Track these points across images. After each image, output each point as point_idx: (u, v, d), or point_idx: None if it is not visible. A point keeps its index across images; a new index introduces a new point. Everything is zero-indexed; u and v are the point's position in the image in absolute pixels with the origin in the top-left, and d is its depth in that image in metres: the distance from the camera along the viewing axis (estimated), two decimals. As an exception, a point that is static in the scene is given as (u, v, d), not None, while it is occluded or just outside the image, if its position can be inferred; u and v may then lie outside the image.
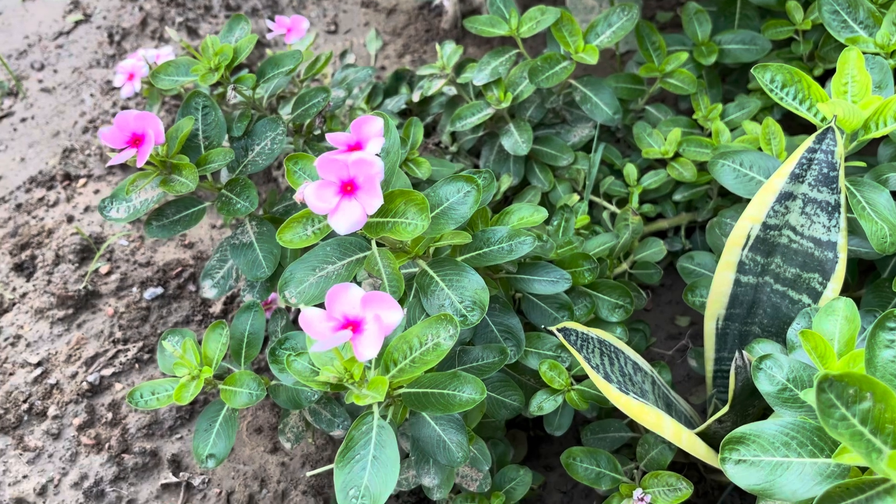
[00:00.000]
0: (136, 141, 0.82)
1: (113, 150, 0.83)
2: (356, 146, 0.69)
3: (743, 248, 0.86)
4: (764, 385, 0.71)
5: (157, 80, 0.96)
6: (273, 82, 0.97)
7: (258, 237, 0.93)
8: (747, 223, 0.85)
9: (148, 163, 0.87)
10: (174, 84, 0.96)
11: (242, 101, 0.99)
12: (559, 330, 0.78)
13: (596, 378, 0.77)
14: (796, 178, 0.81)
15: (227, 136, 0.95)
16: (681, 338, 1.17)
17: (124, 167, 1.41)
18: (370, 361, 0.69)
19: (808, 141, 0.80)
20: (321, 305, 0.68)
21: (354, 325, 0.62)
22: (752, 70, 0.83)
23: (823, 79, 1.20)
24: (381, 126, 0.69)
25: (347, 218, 0.65)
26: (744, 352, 0.78)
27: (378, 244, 0.76)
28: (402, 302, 0.77)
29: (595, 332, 0.83)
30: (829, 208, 0.80)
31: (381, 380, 0.63)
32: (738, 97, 1.22)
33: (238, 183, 0.90)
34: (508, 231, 0.83)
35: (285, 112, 1.14)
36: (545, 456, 1.07)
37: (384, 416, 0.72)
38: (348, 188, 0.66)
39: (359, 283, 0.83)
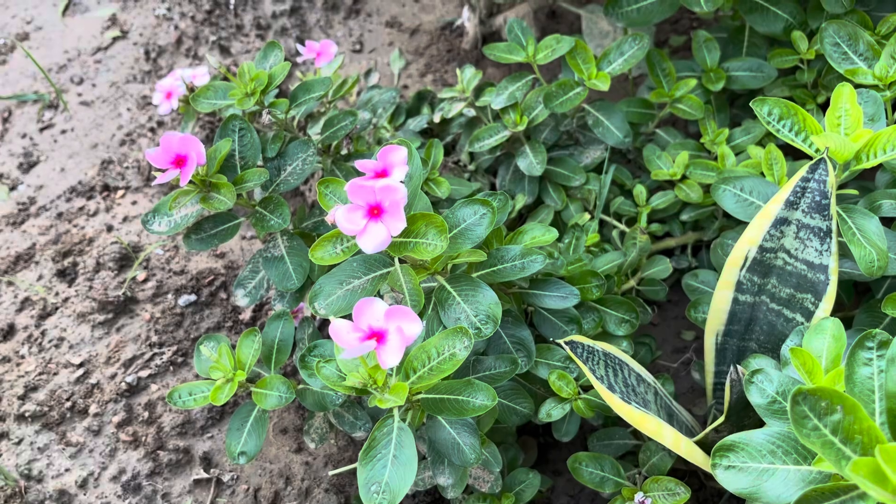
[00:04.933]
0: (180, 162, 0.90)
1: (158, 170, 0.90)
2: (382, 173, 0.76)
3: (741, 269, 0.91)
4: (755, 397, 0.77)
5: (197, 103, 1.04)
6: (304, 106, 1.04)
7: (289, 251, 1.00)
8: (745, 245, 0.90)
9: (189, 181, 0.94)
10: (213, 107, 1.04)
11: (275, 123, 1.06)
12: (566, 342, 0.85)
13: (600, 388, 0.83)
14: (791, 204, 0.87)
15: (261, 157, 1.02)
16: (686, 351, 1.23)
17: (160, 180, 1.49)
18: (392, 369, 0.75)
19: (802, 170, 0.86)
20: (347, 316, 0.75)
21: (378, 336, 0.68)
22: (750, 103, 0.89)
23: (826, 105, 1.25)
24: (406, 154, 0.76)
25: (374, 239, 0.72)
26: (738, 366, 0.84)
27: (400, 261, 0.83)
28: (421, 315, 0.83)
29: (600, 345, 0.89)
30: (822, 234, 0.85)
31: (402, 386, 0.70)
32: (745, 122, 1.28)
33: (272, 201, 0.97)
34: (521, 250, 0.89)
35: (314, 131, 1.21)
36: (554, 461, 1.13)
37: (403, 420, 0.78)
38: (375, 212, 0.72)
39: (381, 297, 0.90)
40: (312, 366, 0.82)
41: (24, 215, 1.51)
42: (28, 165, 1.62)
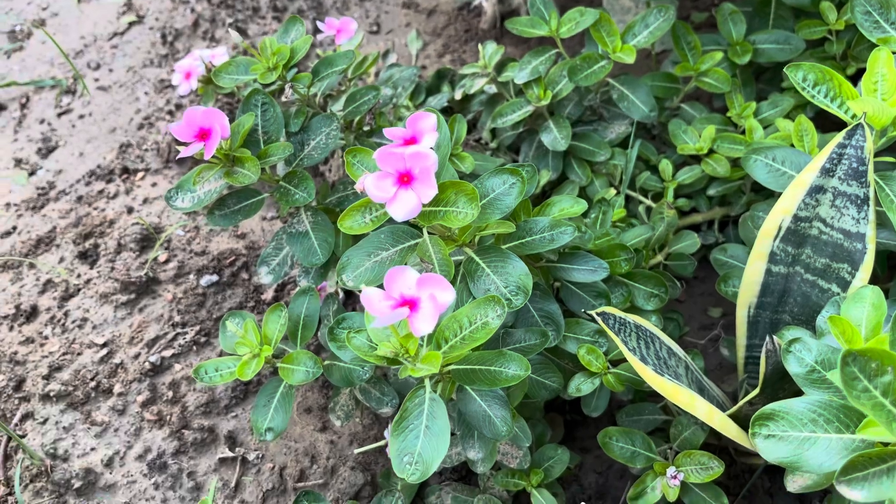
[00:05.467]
0: (204, 135, 0.89)
1: (181, 144, 0.89)
2: (411, 140, 0.74)
3: (774, 240, 0.90)
4: (793, 367, 0.75)
5: (219, 79, 1.03)
6: (326, 81, 1.03)
7: (313, 226, 0.99)
8: (779, 215, 0.88)
9: (213, 156, 0.93)
10: (234, 82, 1.03)
11: (297, 99, 1.05)
12: (598, 314, 0.83)
13: (633, 359, 0.81)
14: (826, 172, 0.85)
15: (284, 132, 1.01)
16: (713, 328, 1.21)
17: (181, 162, 1.49)
18: (423, 339, 0.74)
19: (839, 136, 0.84)
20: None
21: (411, 304, 0.67)
22: (784, 69, 0.87)
23: (856, 78, 1.23)
24: (435, 121, 0.75)
25: (404, 206, 0.70)
26: (774, 337, 0.82)
27: (428, 232, 0.82)
28: (452, 284, 0.82)
29: (632, 318, 0.88)
30: (859, 201, 0.83)
31: (435, 355, 0.69)
32: (772, 95, 1.26)
33: (296, 175, 0.96)
34: (550, 221, 0.88)
35: (335, 108, 1.20)
36: (581, 439, 1.12)
37: (434, 391, 0.77)
38: (405, 179, 0.71)
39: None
40: (342, 337, 0.81)
41: (44, 199, 1.51)
42: (47, 150, 1.62)
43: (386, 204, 0.71)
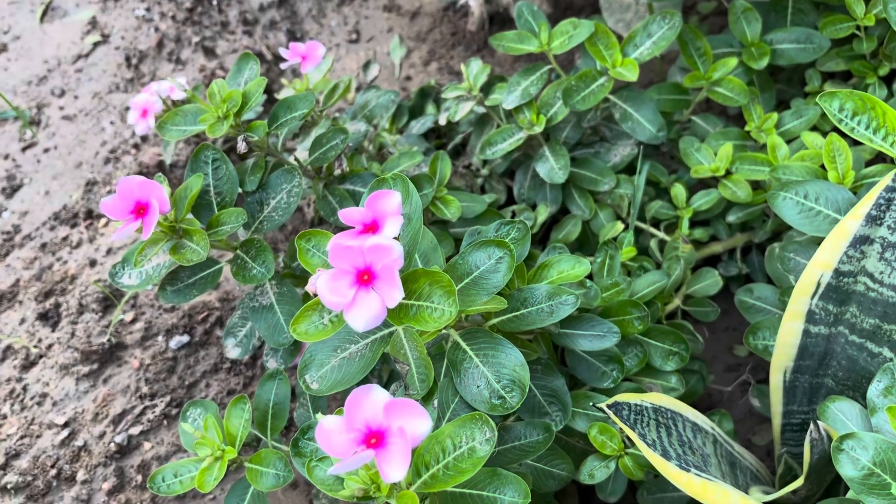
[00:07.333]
0: (141, 210, 0.76)
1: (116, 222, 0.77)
2: (372, 225, 0.62)
3: (812, 297, 0.77)
4: (847, 469, 0.63)
5: (164, 132, 0.90)
6: (287, 127, 0.90)
7: (278, 298, 0.87)
8: (817, 270, 0.75)
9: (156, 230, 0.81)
10: (182, 135, 0.90)
11: (254, 148, 0.93)
12: (610, 407, 0.71)
13: (653, 457, 0.69)
14: (873, 220, 0.71)
15: (238, 191, 0.88)
16: (740, 369, 1.08)
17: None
18: (400, 463, 0.62)
19: (887, 179, 0.70)
20: (346, 393, 0.61)
21: (378, 437, 0.55)
22: (818, 99, 0.73)
23: (889, 78, 1.09)
24: (399, 201, 0.62)
25: (365, 313, 0.58)
26: (821, 424, 0.69)
27: (404, 318, 0.69)
28: (432, 392, 0.70)
29: (649, 400, 0.75)
30: (913, 254, 0.70)
31: (411, 496, 0.57)
32: (795, 102, 1.12)
33: (253, 245, 0.84)
34: (548, 290, 0.75)
35: (303, 146, 1.07)
36: (597, 507, 1.00)
37: (419, 514, 0.65)
38: (365, 278, 0.59)
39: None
40: (307, 453, 0.69)
41: (9, 246, 1.40)
42: (12, 190, 1.51)
43: (343, 311, 0.58)
